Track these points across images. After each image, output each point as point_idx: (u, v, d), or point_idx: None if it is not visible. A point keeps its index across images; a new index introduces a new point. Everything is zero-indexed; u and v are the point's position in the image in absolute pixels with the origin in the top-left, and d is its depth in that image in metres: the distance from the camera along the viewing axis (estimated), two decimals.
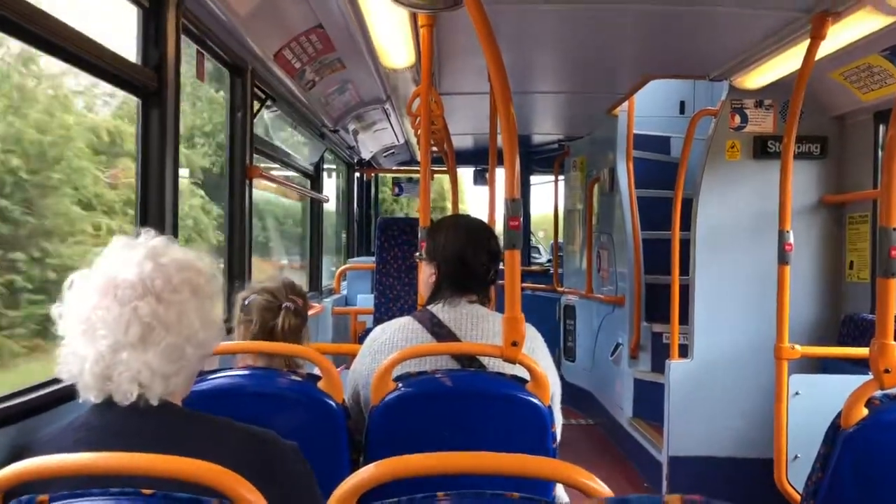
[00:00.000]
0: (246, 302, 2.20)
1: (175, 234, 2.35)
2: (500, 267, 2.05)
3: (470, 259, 2.08)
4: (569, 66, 4.52)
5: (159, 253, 1.30)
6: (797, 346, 3.13)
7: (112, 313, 1.23)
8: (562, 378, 2.16)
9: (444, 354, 1.99)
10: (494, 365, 1.97)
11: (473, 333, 2.03)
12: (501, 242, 1.98)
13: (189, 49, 2.62)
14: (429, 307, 2.09)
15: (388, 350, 2.00)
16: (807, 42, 3.03)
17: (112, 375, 1.23)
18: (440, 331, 2.02)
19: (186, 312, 1.29)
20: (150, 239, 1.32)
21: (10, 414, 1.59)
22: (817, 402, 3.17)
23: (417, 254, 2.34)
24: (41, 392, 1.71)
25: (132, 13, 2.25)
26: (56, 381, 1.70)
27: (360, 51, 3.56)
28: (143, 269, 1.27)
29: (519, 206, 1.91)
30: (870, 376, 2.04)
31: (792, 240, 3.13)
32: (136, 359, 1.24)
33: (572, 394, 5.92)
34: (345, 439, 1.93)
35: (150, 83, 2.23)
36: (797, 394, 3.26)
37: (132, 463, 1.12)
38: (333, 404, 1.91)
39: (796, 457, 3.13)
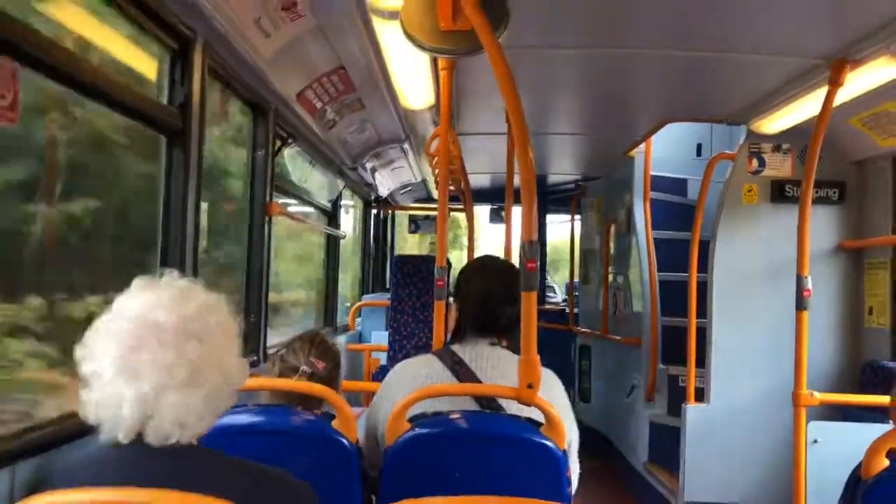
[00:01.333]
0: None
1: (195, 272, 2.38)
2: None
3: (494, 303, 2.08)
4: (587, 109, 4.56)
5: (191, 295, 1.33)
6: (816, 393, 3.09)
7: (157, 356, 1.24)
8: (577, 419, 2.14)
9: (461, 395, 1.99)
10: (512, 407, 1.96)
11: (493, 374, 2.02)
12: None
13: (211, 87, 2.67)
14: (451, 346, 2.09)
15: (409, 388, 2.00)
16: (825, 88, 3.04)
17: (154, 416, 1.24)
18: (460, 370, 2.02)
19: (225, 354, 1.33)
20: (173, 280, 1.34)
21: (29, 447, 1.60)
22: (837, 451, 3.12)
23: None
24: (56, 427, 1.71)
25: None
26: (71, 415, 1.70)
27: (380, 92, 3.61)
28: (184, 311, 1.29)
29: (536, 248, 1.91)
30: (891, 425, 2.01)
31: (810, 285, 3.11)
32: (181, 401, 1.25)
33: (587, 435, 5.85)
34: (358, 479, 1.92)
35: (174, 122, 2.28)
36: (816, 441, 3.21)
37: (149, 500, 1.13)
38: (347, 443, 1.91)
39: None
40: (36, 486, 1.25)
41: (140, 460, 1.24)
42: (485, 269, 2.19)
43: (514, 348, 2.10)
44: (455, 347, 2.08)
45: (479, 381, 2.00)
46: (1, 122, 1.59)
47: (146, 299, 1.29)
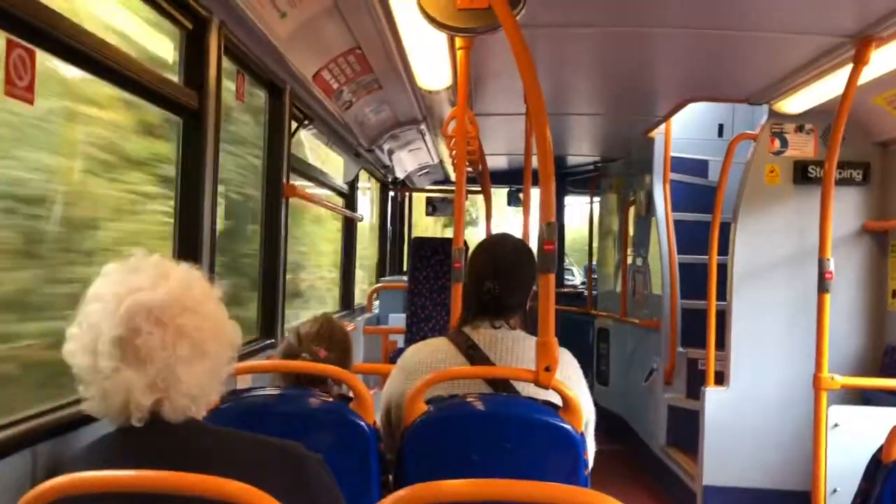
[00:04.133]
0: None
1: (213, 252, 2.38)
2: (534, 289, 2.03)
3: (499, 284, 2.05)
4: (606, 89, 4.51)
5: (169, 270, 1.31)
6: (837, 377, 3.06)
7: (157, 336, 1.23)
8: (595, 403, 2.13)
9: (476, 378, 1.98)
10: (527, 390, 1.94)
11: (508, 357, 2.00)
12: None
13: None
14: (464, 329, 2.08)
15: (422, 371, 1.99)
16: (850, 67, 2.98)
17: (167, 396, 1.24)
18: (474, 353, 2.01)
19: (219, 319, 1.33)
20: (144, 259, 1.31)
21: (44, 430, 1.61)
22: (858, 435, 3.09)
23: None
24: (70, 410, 1.72)
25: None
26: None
27: (397, 72, 3.58)
28: (170, 287, 1.27)
29: (554, 229, 1.89)
30: None
31: (833, 267, 3.07)
32: (189, 375, 1.25)
33: (605, 419, 5.84)
34: (375, 460, 1.92)
35: (191, 103, 2.27)
36: (836, 425, 3.18)
37: (163, 481, 1.13)
38: (365, 425, 1.91)
39: (835, 490, 3.06)
40: (54, 469, 1.25)
41: (156, 440, 1.24)
42: (490, 249, 2.15)
43: (526, 328, 2.09)
44: (468, 330, 2.06)
45: (492, 365, 1.99)
46: (18, 101, 1.60)
47: (127, 282, 1.26)
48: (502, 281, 2.05)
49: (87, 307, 1.27)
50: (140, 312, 1.23)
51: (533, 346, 1.94)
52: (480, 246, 2.21)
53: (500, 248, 2.15)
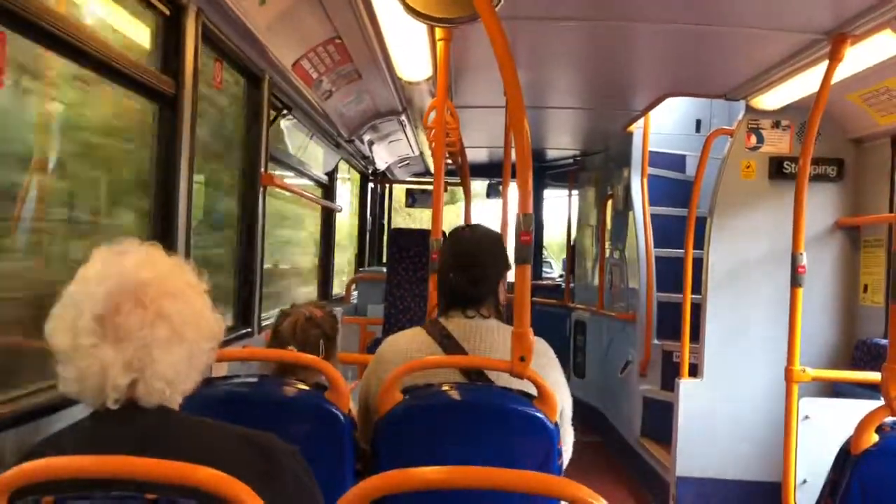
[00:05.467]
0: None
1: (188, 239, 2.37)
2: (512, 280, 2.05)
3: (456, 277, 2.06)
4: (585, 83, 4.53)
5: (156, 257, 1.32)
6: (808, 370, 3.10)
7: (137, 316, 1.24)
8: (571, 395, 2.15)
9: (450, 367, 1.99)
10: (500, 379, 1.96)
11: (482, 347, 2.02)
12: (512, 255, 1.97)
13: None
14: (439, 319, 2.09)
15: (398, 360, 2.00)
16: (825, 63, 3.02)
17: (142, 378, 1.24)
18: (448, 343, 2.02)
19: (201, 310, 1.32)
20: (133, 246, 1.32)
21: (16, 416, 1.60)
22: (827, 427, 3.14)
23: None
24: (45, 396, 1.71)
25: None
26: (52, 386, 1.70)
27: (376, 63, 3.58)
28: (155, 271, 1.28)
29: (531, 220, 1.90)
30: (881, 402, 2.02)
31: (805, 262, 3.11)
32: (166, 358, 1.25)
33: (581, 410, 5.89)
34: (350, 449, 1.93)
35: (167, 90, 2.25)
36: (807, 417, 3.23)
37: (134, 467, 1.13)
38: (340, 414, 1.91)
39: (805, 481, 3.10)
40: (22, 457, 1.24)
41: (128, 426, 1.24)
42: (452, 242, 2.17)
43: (500, 316, 2.10)
44: (442, 320, 2.07)
45: (465, 354, 2.01)
46: None
47: (115, 264, 1.27)
48: (466, 272, 2.06)
49: (71, 287, 1.27)
50: (122, 291, 1.24)
51: (506, 335, 1.95)
52: (449, 236, 2.22)
53: (463, 239, 2.17)
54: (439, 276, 2.13)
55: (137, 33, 2.26)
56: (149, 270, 1.27)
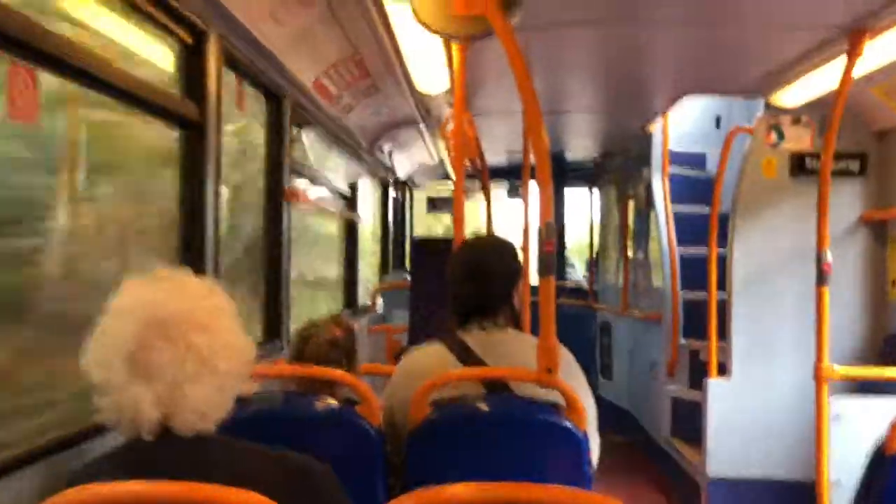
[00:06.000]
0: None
1: (217, 265, 2.40)
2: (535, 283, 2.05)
3: (467, 288, 2.07)
4: (603, 86, 4.52)
5: (185, 285, 1.33)
6: (837, 367, 3.08)
7: (166, 353, 1.25)
8: (598, 396, 2.15)
9: (475, 380, 2.00)
10: (524, 390, 1.96)
11: (503, 358, 2.01)
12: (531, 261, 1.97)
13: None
14: (458, 332, 2.10)
15: (420, 375, 2.00)
16: (844, 59, 3.00)
17: (174, 412, 1.26)
18: (466, 356, 2.02)
19: (231, 337, 1.33)
20: (163, 273, 1.33)
21: (56, 443, 1.64)
22: (859, 425, 3.12)
23: None
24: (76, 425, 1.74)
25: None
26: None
27: (395, 76, 3.61)
28: (183, 303, 1.29)
29: (553, 229, 1.91)
30: None
31: (830, 259, 3.09)
32: (198, 392, 1.27)
33: (609, 412, 5.89)
34: (382, 464, 1.95)
35: (192, 115, 2.30)
36: (838, 416, 3.20)
37: (169, 492, 1.15)
38: (371, 429, 1.94)
39: (838, 480, 3.08)
40: (56, 486, 1.27)
41: (165, 452, 1.26)
42: (459, 254, 2.17)
43: (515, 325, 2.10)
44: (461, 333, 2.07)
45: (485, 366, 2.01)
46: (20, 121, 1.62)
47: (143, 297, 1.28)
48: (475, 283, 2.06)
49: (104, 320, 1.29)
50: (151, 328, 1.26)
51: (525, 344, 1.96)
52: (456, 250, 2.23)
53: (469, 251, 2.17)
54: (451, 288, 2.12)
55: (161, 61, 2.31)
56: (177, 302, 1.29)
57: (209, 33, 2.32)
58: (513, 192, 8.45)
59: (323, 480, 1.36)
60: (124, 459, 1.28)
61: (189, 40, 2.28)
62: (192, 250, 2.31)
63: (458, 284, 2.08)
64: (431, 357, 2.06)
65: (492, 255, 2.11)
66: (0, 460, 1.47)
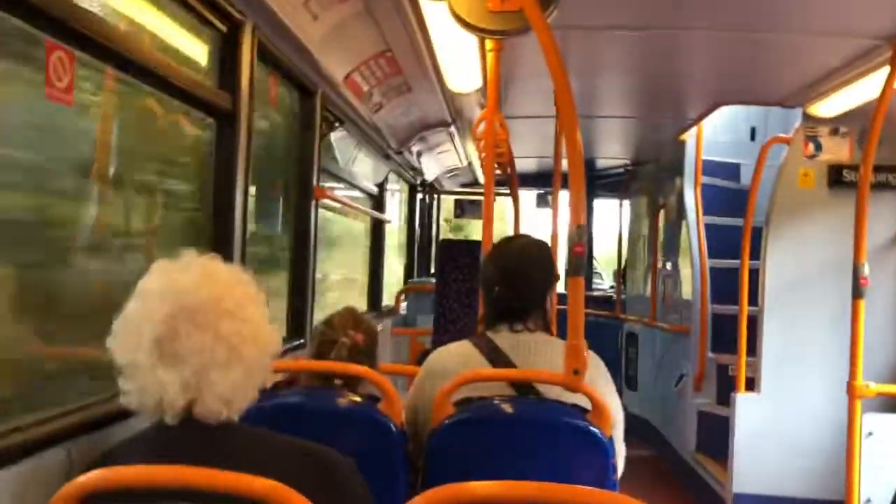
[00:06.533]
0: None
1: (244, 253, 2.40)
2: (562, 291, 2.02)
3: (501, 290, 2.03)
4: (638, 92, 4.48)
5: (215, 271, 1.32)
6: (871, 384, 3.01)
7: (195, 339, 1.25)
8: (624, 408, 2.11)
9: (502, 381, 1.97)
10: (551, 393, 1.94)
11: (532, 360, 1.99)
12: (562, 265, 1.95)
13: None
14: (487, 333, 2.07)
15: (447, 374, 1.98)
16: (886, 69, 2.94)
17: (199, 398, 1.25)
18: (496, 357, 1.99)
19: (258, 325, 1.33)
20: (193, 258, 1.33)
21: (79, 426, 1.63)
22: (892, 444, 3.04)
23: None
24: (105, 406, 1.74)
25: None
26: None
27: (426, 74, 3.60)
28: (213, 289, 1.29)
29: (584, 232, 1.89)
30: None
31: (867, 273, 3.02)
32: (224, 379, 1.26)
33: (634, 424, 5.81)
34: (403, 461, 1.93)
35: (225, 105, 2.30)
36: (871, 434, 3.13)
37: (193, 477, 1.15)
38: (393, 426, 1.91)
39: (869, 500, 3.01)
40: (88, 465, 1.27)
41: (189, 438, 1.26)
42: (495, 255, 2.14)
43: (547, 329, 2.07)
44: (491, 334, 2.04)
45: (514, 368, 1.98)
46: (57, 102, 1.63)
47: (173, 282, 1.28)
48: (509, 285, 2.02)
49: (132, 303, 1.29)
50: (180, 314, 1.25)
51: (555, 348, 1.93)
52: (491, 251, 2.20)
53: (508, 251, 2.13)
54: (484, 289, 2.09)
55: (196, 50, 2.31)
56: (206, 289, 1.28)
57: (245, 23, 2.32)
58: (542, 202, 8.41)
59: (345, 473, 1.34)
60: (149, 443, 1.28)
61: (224, 29, 2.28)
62: (219, 239, 2.31)
63: (493, 285, 2.05)
64: (458, 356, 2.04)
65: (527, 256, 2.08)
66: (29, 439, 1.46)
